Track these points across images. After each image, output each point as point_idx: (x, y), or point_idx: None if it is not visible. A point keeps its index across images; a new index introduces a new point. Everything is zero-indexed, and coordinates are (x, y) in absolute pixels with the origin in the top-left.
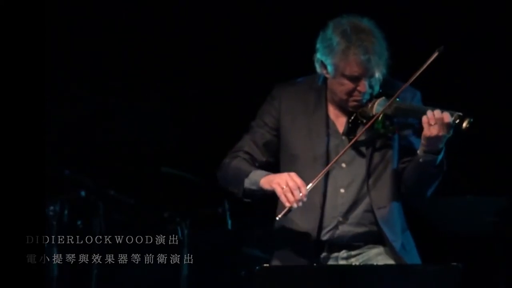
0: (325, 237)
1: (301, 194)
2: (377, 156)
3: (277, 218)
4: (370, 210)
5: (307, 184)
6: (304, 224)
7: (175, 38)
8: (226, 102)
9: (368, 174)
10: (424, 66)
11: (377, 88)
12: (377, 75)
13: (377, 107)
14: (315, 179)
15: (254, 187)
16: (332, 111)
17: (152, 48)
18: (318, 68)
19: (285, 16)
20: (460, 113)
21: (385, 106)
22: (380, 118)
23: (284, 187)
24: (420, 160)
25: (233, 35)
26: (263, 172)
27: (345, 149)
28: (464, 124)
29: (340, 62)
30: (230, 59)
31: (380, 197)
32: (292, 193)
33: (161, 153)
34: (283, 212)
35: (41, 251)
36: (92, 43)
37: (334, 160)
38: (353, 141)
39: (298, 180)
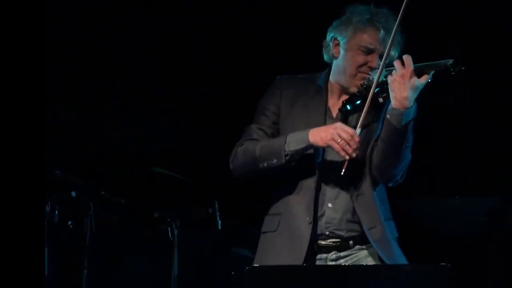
0: (315, 225)
1: (355, 143)
2: (364, 138)
3: (342, 173)
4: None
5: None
6: (299, 210)
7: (166, 41)
8: (217, 103)
9: (353, 158)
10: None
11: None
12: (392, 52)
13: (374, 75)
14: (361, 118)
15: (300, 146)
16: (331, 101)
17: (142, 50)
18: (327, 53)
19: (277, 18)
20: (452, 60)
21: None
22: (374, 83)
23: (339, 140)
24: (388, 116)
25: (222, 38)
26: (300, 131)
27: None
28: (455, 70)
29: (357, 33)
30: (220, 60)
31: (359, 183)
32: (349, 145)
33: (151, 154)
34: (345, 166)
35: (40, 251)
36: (83, 45)
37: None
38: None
39: (349, 130)
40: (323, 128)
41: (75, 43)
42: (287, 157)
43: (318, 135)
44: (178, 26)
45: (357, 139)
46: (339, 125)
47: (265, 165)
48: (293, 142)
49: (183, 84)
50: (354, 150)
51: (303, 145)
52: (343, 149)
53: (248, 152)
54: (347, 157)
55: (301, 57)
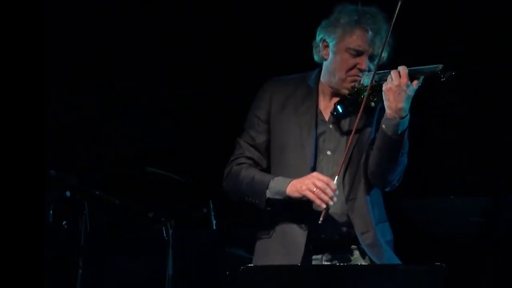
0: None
1: (331, 191)
2: (357, 144)
3: (320, 222)
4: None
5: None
6: (293, 215)
7: (166, 41)
8: (211, 102)
9: (347, 163)
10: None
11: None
12: (383, 54)
13: (365, 79)
14: (338, 169)
15: (279, 197)
16: (322, 102)
17: (137, 50)
18: (317, 54)
19: (277, 17)
20: (442, 65)
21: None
22: (367, 88)
23: (315, 189)
24: (383, 126)
25: (222, 38)
26: (282, 179)
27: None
28: (445, 75)
29: (346, 35)
30: (220, 60)
31: (354, 188)
32: (325, 193)
33: (146, 153)
34: (323, 214)
35: (39, 252)
36: (83, 45)
37: (346, 150)
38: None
39: (324, 178)
40: (301, 179)
41: (75, 43)
42: (267, 201)
43: (294, 187)
44: (178, 26)
45: (333, 186)
46: (315, 174)
47: (250, 200)
48: (273, 190)
49: (178, 83)
50: (331, 198)
51: (281, 197)
52: (319, 198)
53: (236, 183)
54: (323, 206)
55: (301, 56)
